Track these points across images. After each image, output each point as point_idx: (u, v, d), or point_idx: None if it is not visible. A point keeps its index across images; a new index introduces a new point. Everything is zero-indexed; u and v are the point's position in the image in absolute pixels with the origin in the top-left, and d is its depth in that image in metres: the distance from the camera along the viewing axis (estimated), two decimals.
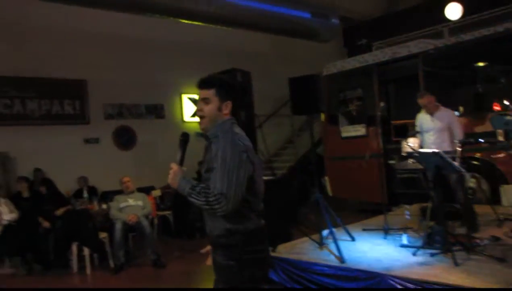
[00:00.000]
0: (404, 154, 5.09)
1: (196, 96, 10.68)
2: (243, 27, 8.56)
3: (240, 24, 8.37)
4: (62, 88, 9.25)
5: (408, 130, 8.37)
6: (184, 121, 11.01)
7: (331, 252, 4.72)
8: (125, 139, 10.06)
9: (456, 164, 4.16)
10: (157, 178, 9.62)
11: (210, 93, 2.31)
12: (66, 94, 9.31)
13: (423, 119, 5.43)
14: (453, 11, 10.07)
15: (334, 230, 4.92)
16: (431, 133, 5.23)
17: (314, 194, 5.17)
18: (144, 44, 10.08)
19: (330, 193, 8.95)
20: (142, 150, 10.18)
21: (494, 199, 6.47)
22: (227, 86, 2.36)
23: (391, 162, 8.09)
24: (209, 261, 2.44)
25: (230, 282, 2.29)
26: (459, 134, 5.10)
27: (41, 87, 9.02)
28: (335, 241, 4.60)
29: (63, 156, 9.03)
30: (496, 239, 4.69)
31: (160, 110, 10.64)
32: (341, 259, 4.41)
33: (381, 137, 7.91)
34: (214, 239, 2.32)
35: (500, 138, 5.31)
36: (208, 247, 2.44)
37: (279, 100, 11.40)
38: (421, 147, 5.05)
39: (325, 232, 5.04)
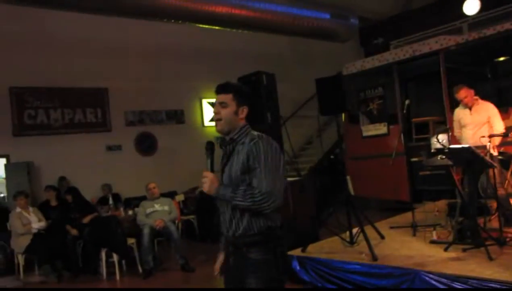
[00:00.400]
0: (433, 150, 5.04)
1: (213, 101, 10.81)
2: (263, 30, 8.59)
3: (260, 28, 8.42)
4: (84, 97, 9.41)
5: (429, 128, 8.41)
6: (204, 126, 11.10)
7: (361, 251, 4.73)
8: (146, 145, 10.18)
9: (487, 158, 4.14)
10: (178, 182, 9.75)
11: (227, 97, 2.40)
12: (88, 103, 9.46)
13: (461, 113, 5.34)
14: (471, 6, 10.02)
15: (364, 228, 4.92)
16: (470, 128, 5.15)
17: (339, 194, 5.20)
18: (163, 50, 10.18)
19: (352, 192, 8.92)
20: (163, 155, 10.28)
21: None
22: (244, 92, 2.46)
23: (414, 159, 8.07)
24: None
25: (267, 275, 2.36)
26: (500, 127, 5.02)
27: (64, 96, 9.18)
28: (366, 239, 4.61)
29: (87, 164, 9.16)
30: None
31: (180, 116, 10.74)
32: (373, 256, 4.41)
33: (403, 135, 7.91)
34: (247, 239, 2.37)
35: None
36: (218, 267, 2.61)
37: (298, 101, 11.43)
38: (459, 142, 4.98)
39: (355, 231, 5.04)
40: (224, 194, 2.29)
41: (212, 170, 2.38)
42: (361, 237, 4.94)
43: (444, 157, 4.57)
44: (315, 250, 5.12)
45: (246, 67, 9.50)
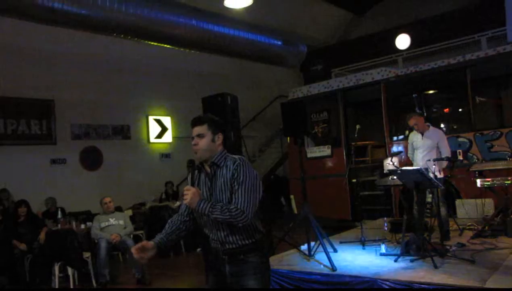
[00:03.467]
0: (386, 171, 5.58)
1: (159, 118, 10.94)
2: (218, 52, 8.91)
3: (215, 50, 8.73)
4: (29, 108, 9.21)
5: (367, 152, 9.14)
6: (150, 143, 11.17)
7: (320, 262, 5.12)
8: (91, 160, 10.08)
9: (434, 180, 4.71)
10: (123, 198, 9.70)
11: (203, 128, 2.70)
12: (33, 114, 9.26)
13: (414, 137, 5.90)
14: (403, 42, 11.02)
15: (319, 241, 5.32)
16: (421, 151, 5.71)
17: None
18: (112, 65, 10.21)
19: (295, 211, 9.38)
20: (108, 170, 10.21)
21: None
22: (217, 121, 2.78)
23: (354, 180, 8.69)
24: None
25: (265, 276, 2.74)
26: (446, 152, 5.63)
27: (8, 106, 8.92)
28: (326, 251, 5.01)
29: (30, 177, 8.94)
30: (462, 245, 5.32)
31: (126, 131, 10.75)
32: (332, 267, 4.81)
33: (346, 158, 8.55)
34: (245, 247, 2.68)
35: (460, 157, 5.95)
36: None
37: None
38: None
39: (312, 244, 5.43)
40: (204, 208, 2.55)
41: (192, 185, 2.66)
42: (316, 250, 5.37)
43: (394, 177, 5.12)
44: (275, 262, 5.42)
45: (194, 87, 9.81)
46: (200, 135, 2.67)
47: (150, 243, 2.65)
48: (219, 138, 2.72)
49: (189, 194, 2.57)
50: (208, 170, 2.71)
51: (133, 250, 2.65)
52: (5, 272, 6.58)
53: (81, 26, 7.87)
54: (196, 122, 2.72)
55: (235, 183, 2.58)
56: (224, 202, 2.59)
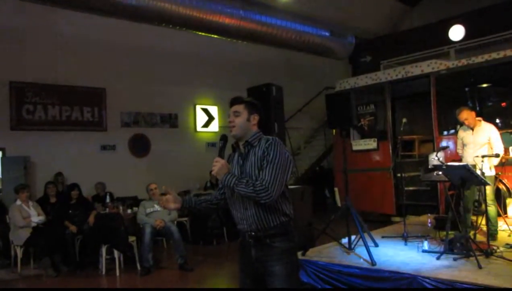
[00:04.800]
0: (431, 167, 5.44)
1: (206, 107, 11.07)
2: (262, 42, 8.92)
3: (263, 40, 8.75)
4: (82, 95, 9.58)
5: (414, 146, 8.91)
6: (197, 131, 11.36)
7: (359, 256, 5.08)
8: (139, 147, 10.38)
9: (481, 177, 4.55)
10: (169, 185, 9.83)
11: (240, 107, 2.81)
12: (85, 101, 9.64)
13: (463, 133, 5.74)
14: (456, 33, 10.60)
15: (360, 235, 5.26)
16: (471, 147, 5.54)
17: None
18: (161, 55, 10.45)
19: (338, 204, 9.31)
20: (155, 157, 10.48)
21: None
22: (254, 103, 2.87)
23: (399, 175, 8.51)
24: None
25: (292, 261, 2.72)
26: (498, 148, 5.41)
27: (62, 94, 9.33)
28: (366, 245, 4.96)
29: (81, 161, 9.32)
30: (510, 246, 5.10)
31: (174, 120, 10.99)
32: (372, 262, 4.76)
33: (392, 152, 8.38)
34: (271, 231, 2.68)
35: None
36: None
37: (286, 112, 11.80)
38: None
39: (353, 237, 5.39)
40: (230, 180, 2.61)
41: (221, 157, 2.70)
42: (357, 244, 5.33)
43: (440, 173, 4.98)
44: (314, 254, 5.44)
45: (240, 76, 9.83)
46: (236, 113, 2.79)
47: (179, 199, 2.84)
48: (254, 119, 2.82)
49: (217, 165, 2.64)
50: (242, 149, 2.79)
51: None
52: (57, 251, 6.91)
53: (131, 17, 8.10)
54: (234, 101, 2.85)
55: (265, 160, 2.62)
56: (253, 179, 2.63)
